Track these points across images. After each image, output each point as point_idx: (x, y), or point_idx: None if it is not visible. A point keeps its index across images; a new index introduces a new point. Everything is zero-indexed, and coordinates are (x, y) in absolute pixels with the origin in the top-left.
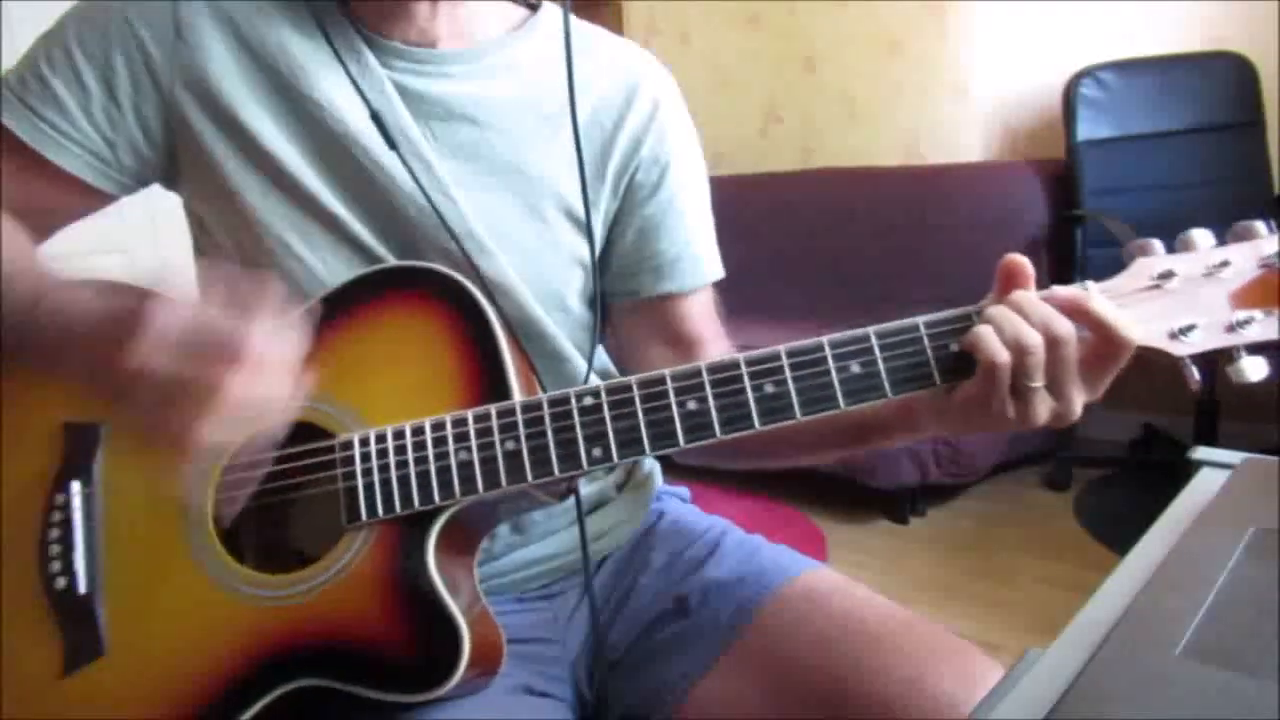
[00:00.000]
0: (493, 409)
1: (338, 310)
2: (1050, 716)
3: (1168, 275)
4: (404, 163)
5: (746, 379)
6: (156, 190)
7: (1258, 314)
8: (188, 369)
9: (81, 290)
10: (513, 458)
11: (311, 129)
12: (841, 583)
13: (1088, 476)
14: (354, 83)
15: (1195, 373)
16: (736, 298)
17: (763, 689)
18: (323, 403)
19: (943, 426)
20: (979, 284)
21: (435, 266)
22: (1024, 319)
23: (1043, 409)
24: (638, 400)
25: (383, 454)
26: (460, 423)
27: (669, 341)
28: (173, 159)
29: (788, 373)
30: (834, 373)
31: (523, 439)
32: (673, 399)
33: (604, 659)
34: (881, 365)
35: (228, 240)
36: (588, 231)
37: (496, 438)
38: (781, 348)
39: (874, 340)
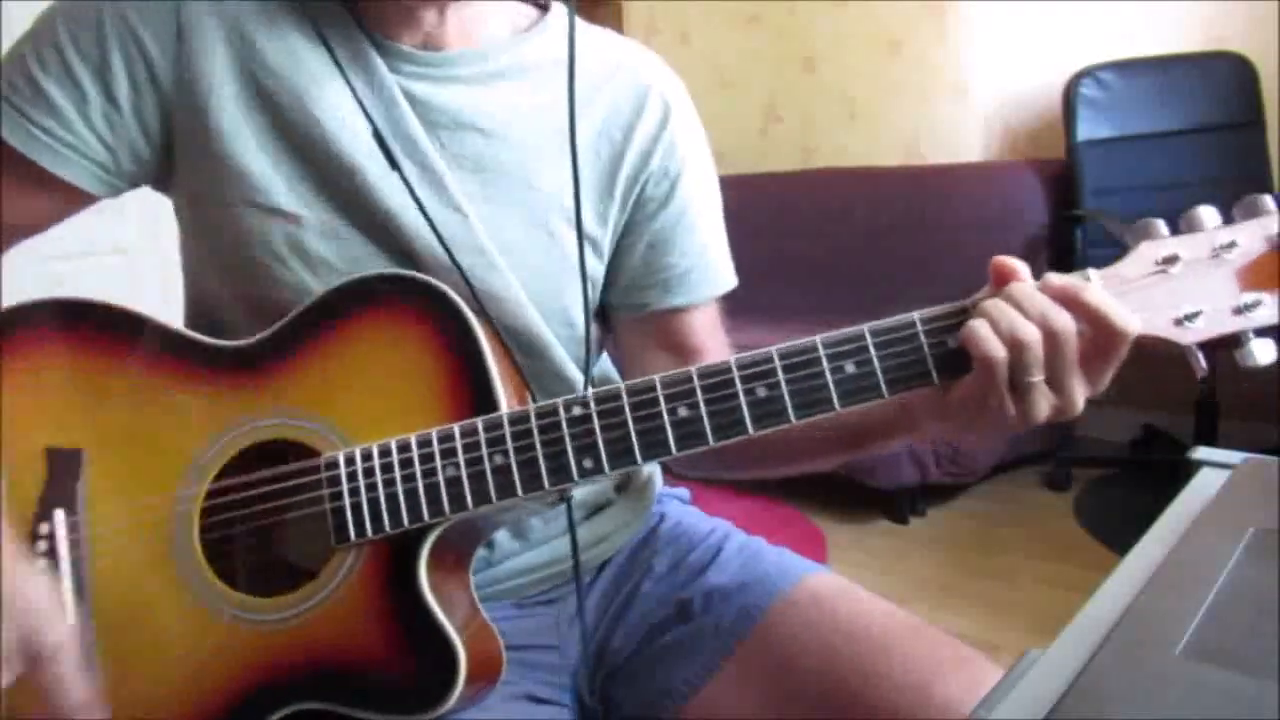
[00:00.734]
0: (480, 423)
1: (319, 322)
2: (1050, 716)
3: (1172, 260)
4: (405, 182)
5: (739, 383)
6: None
7: (1265, 296)
8: None
9: None
10: (501, 473)
11: (308, 151)
12: (844, 586)
13: (1088, 476)
14: (357, 98)
15: (1202, 360)
16: (736, 298)
17: (766, 695)
18: (305, 419)
19: (943, 427)
20: (979, 284)
21: (418, 275)
22: (1020, 312)
23: (1043, 404)
24: (627, 409)
25: (369, 472)
26: (447, 438)
27: (671, 350)
28: (170, 161)
29: (780, 375)
30: (828, 373)
31: (511, 453)
32: (663, 406)
33: (589, 667)
34: (877, 364)
35: (216, 250)
36: (579, 247)
37: (484, 452)
38: (774, 349)
39: (869, 338)
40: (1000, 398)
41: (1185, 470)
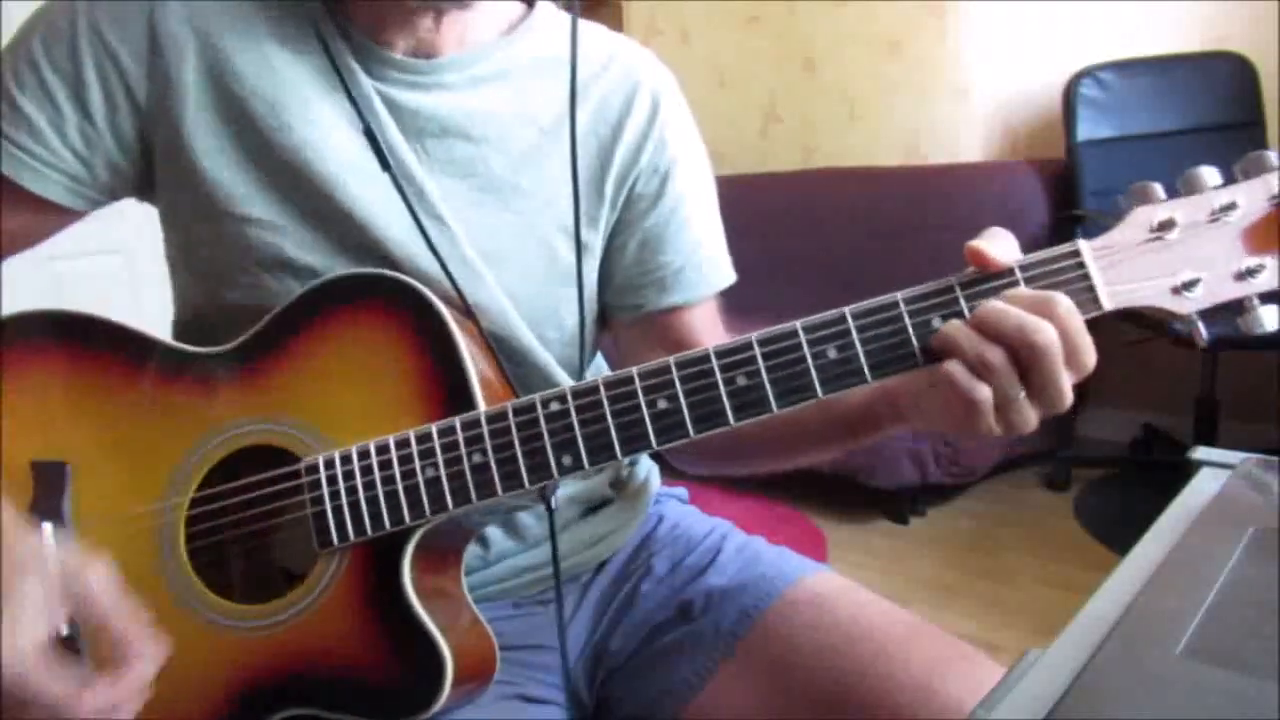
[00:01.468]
0: (457, 422)
1: (297, 323)
2: (1050, 716)
3: (1168, 225)
4: (399, 188)
5: (718, 372)
6: None
7: (1269, 259)
8: None
9: None
10: (481, 471)
11: (283, 161)
12: (845, 586)
13: (1088, 476)
14: (338, 106)
15: (1203, 330)
16: (736, 298)
17: (767, 695)
18: (282, 423)
19: (930, 421)
20: None
21: (391, 274)
22: (992, 338)
23: (1031, 416)
24: (605, 402)
25: (349, 476)
26: (425, 439)
27: (671, 350)
28: (150, 172)
29: (760, 363)
30: (810, 359)
31: (489, 451)
32: (641, 399)
33: (568, 669)
34: (859, 348)
35: (199, 259)
36: (577, 254)
37: (463, 451)
38: (753, 335)
39: (850, 321)
40: (989, 427)
41: (1185, 470)
